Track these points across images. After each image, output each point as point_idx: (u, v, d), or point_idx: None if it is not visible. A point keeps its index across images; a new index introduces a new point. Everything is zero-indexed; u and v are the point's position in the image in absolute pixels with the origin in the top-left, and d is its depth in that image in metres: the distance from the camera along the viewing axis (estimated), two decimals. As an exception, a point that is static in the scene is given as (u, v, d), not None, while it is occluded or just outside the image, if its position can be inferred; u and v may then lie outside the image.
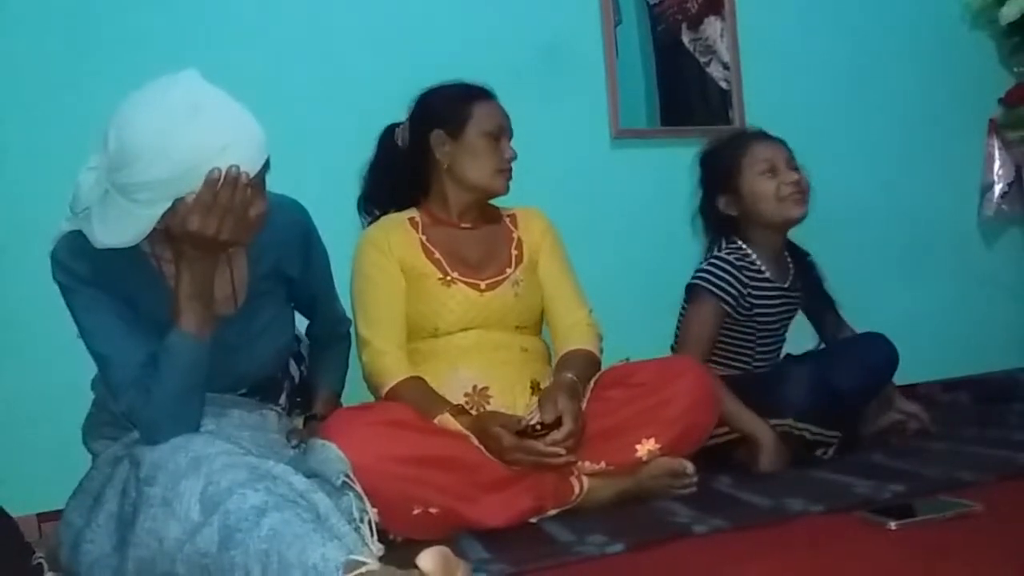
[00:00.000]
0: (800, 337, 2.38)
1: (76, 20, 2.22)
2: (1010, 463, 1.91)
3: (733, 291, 2.15)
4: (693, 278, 2.20)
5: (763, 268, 2.20)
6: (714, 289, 2.15)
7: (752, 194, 2.17)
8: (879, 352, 2.22)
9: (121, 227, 1.38)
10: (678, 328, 2.27)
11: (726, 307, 2.15)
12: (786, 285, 2.25)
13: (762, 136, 2.23)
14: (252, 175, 1.38)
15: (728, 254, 2.19)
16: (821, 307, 2.34)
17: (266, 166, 1.42)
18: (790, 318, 2.29)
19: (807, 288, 2.30)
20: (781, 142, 2.22)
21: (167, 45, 2.25)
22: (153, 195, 1.35)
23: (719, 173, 2.23)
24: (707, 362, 2.16)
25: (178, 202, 1.36)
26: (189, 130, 1.32)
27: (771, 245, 2.23)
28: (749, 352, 2.23)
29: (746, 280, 2.16)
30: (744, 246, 2.21)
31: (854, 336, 2.31)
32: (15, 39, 2.19)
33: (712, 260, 2.19)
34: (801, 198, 2.14)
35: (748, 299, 2.17)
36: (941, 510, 1.56)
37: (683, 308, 2.26)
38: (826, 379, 2.11)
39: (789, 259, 2.30)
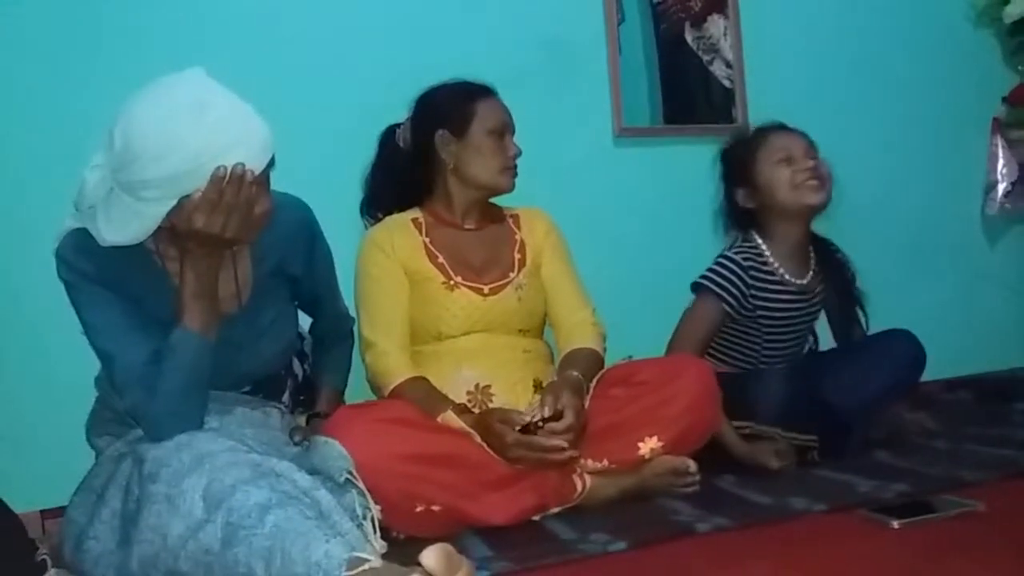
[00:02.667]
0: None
1: (78, 18, 2.22)
2: (1013, 462, 1.91)
3: (735, 291, 2.13)
4: (700, 277, 2.18)
5: (776, 266, 2.17)
6: (716, 288, 2.13)
7: (768, 183, 2.14)
8: (883, 369, 2.12)
9: (126, 225, 1.39)
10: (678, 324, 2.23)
11: (727, 307, 2.13)
12: (804, 282, 2.19)
13: (780, 127, 2.22)
14: (257, 173, 1.39)
15: (736, 253, 2.17)
16: (841, 309, 2.28)
17: (271, 164, 1.43)
18: (804, 320, 2.23)
19: (830, 286, 2.24)
20: (801, 134, 2.20)
21: (170, 44, 2.24)
22: (158, 193, 1.35)
23: (736, 166, 2.22)
24: (707, 357, 2.16)
25: (183, 200, 1.36)
26: (194, 128, 1.32)
27: (791, 238, 2.18)
28: (754, 351, 2.21)
29: (750, 280, 2.14)
30: (759, 243, 2.18)
31: (865, 340, 2.24)
32: (17, 38, 2.19)
33: (720, 259, 2.18)
34: (819, 184, 2.11)
35: (751, 300, 2.15)
36: (944, 509, 1.57)
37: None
38: (810, 387, 2.08)
39: (812, 254, 2.24)
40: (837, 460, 2.04)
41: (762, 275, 2.15)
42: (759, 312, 2.16)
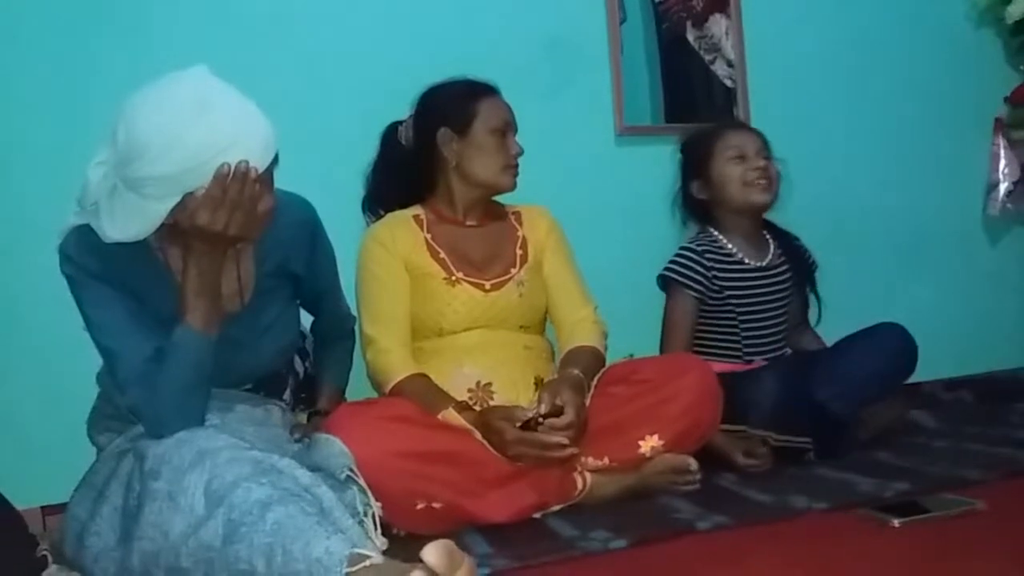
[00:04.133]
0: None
1: (81, 17, 2.22)
2: (1014, 461, 1.91)
3: (698, 276, 2.22)
4: (663, 270, 2.28)
5: (733, 250, 2.27)
6: (679, 278, 2.23)
7: (720, 178, 2.25)
8: (869, 363, 2.13)
9: (129, 222, 1.39)
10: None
11: (694, 294, 2.23)
12: (763, 263, 2.29)
13: (739, 126, 2.33)
14: (261, 170, 1.39)
15: (691, 242, 2.30)
16: (799, 294, 2.35)
17: (275, 161, 1.43)
18: (775, 301, 2.28)
19: (792, 270, 2.32)
20: (758, 133, 2.30)
21: (173, 41, 2.24)
22: (162, 190, 1.35)
23: (694, 158, 2.33)
24: (694, 351, 2.21)
25: (187, 197, 1.36)
26: (198, 125, 1.32)
27: (742, 228, 2.29)
28: (735, 338, 2.25)
29: (708, 263, 2.24)
30: (713, 232, 2.29)
31: (854, 335, 2.24)
32: (20, 34, 2.19)
33: (679, 251, 2.29)
34: (766, 185, 2.22)
35: (716, 281, 2.23)
36: (945, 508, 1.56)
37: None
38: (801, 387, 2.09)
39: (769, 239, 2.34)
40: (833, 459, 2.04)
41: (720, 257, 2.26)
42: (727, 293, 2.24)
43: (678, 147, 2.39)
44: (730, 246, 2.27)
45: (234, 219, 1.38)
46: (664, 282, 2.28)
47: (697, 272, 2.22)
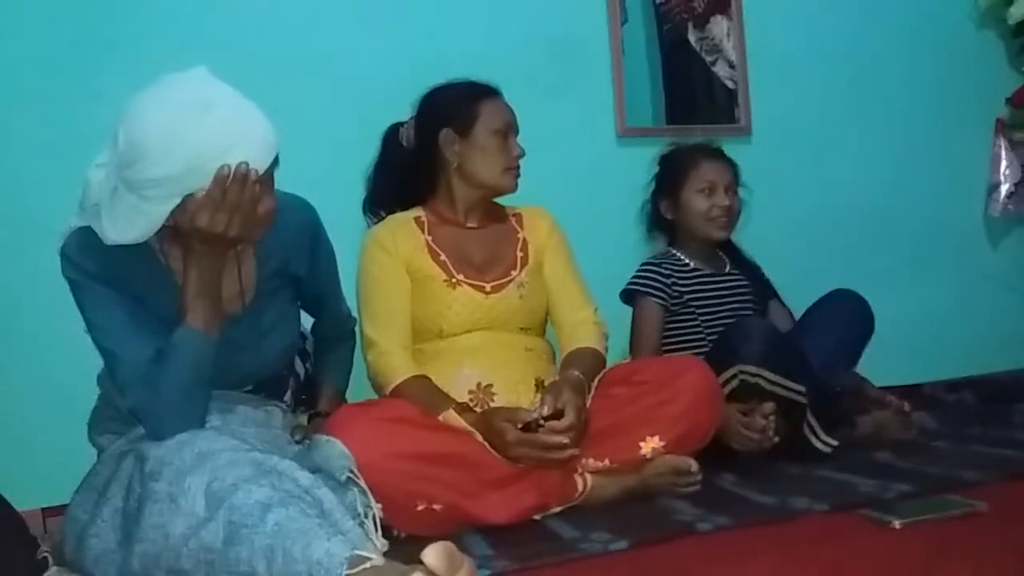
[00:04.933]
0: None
1: (80, 18, 2.23)
2: (1015, 463, 1.91)
3: (659, 283, 2.31)
4: (626, 285, 2.35)
5: (690, 263, 2.36)
6: (642, 288, 2.31)
7: (686, 206, 2.34)
8: (836, 333, 2.27)
9: (130, 224, 1.39)
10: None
11: (658, 300, 2.30)
12: (724, 270, 2.39)
13: (715, 155, 2.37)
14: (261, 172, 1.39)
15: (650, 259, 2.39)
16: (765, 298, 2.44)
17: (275, 163, 1.43)
18: (736, 304, 2.34)
19: (749, 280, 2.41)
20: (731, 164, 2.37)
21: (174, 43, 2.25)
22: (162, 192, 1.35)
23: (667, 178, 2.40)
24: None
25: (187, 199, 1.37)
26: (199, 127, 1.33)
27: (699, 248, 2.38)
28: (700, 339, 2.30)
29: (668, 272, 2.32)
30: (671, 251, 2.39)
31: (812, 305, 2.36)
32: (19, 36, 2.19)
33: (639, 268, 2.37)
34: (726, 222, 2.32)
35: (676, 287, 2.31)
36: (946, 509, 1.56)
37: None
38: (784, 334, 2.18)
39: (723, 256, 2.43)
40: (828, 431, 2.09)
41: (677, 267, 2.35)
42: (687, 298, 2.32)
43: (657, 158, 2.43)
44: (686, 259, 2.36)
45: (234, 221, 1.38)
46: (628, 296, 2.34)
47: (657, 280, 2.31)
